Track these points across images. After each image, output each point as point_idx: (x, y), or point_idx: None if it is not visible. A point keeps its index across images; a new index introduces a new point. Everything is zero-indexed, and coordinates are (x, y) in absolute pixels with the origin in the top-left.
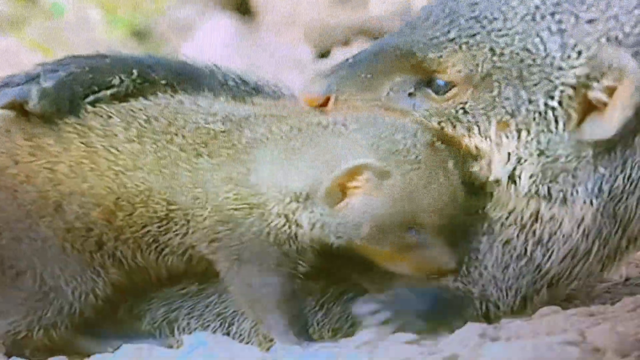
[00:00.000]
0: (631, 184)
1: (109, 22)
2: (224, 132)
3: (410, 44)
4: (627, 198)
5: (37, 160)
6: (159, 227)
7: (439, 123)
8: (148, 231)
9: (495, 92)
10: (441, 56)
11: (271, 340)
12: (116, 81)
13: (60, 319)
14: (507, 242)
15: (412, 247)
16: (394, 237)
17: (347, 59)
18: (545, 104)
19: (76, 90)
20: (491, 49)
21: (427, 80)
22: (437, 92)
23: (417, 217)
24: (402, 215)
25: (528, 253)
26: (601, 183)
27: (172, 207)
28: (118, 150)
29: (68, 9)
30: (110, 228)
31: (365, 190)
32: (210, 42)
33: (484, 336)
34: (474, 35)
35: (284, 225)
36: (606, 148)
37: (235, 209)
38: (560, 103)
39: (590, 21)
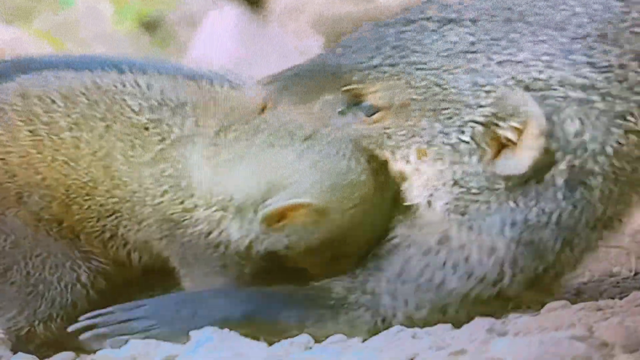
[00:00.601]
0: (545, 216)
1: (119, 13)
2: (154, 122)
3: (337, 66)
4: (542, 229)
5: None
6: (112, 221)
7: (368, 145)
8: (104, 225)
9: (412, 122)
10: (364, 81)
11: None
12: None
13: (55, 311)
14: (409, 260)
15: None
16: (320, 258)
17: (287, 70)
18: (458, 138)
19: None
20: (407, 81)
21: (356, 101)
22: (365, 114)
23: (348, 247)
24: (333, 246)
25: (428, 275)
26: (515, 215)
27: (115, 200)
28: (60, 139)
29: (78, 0)
30: (71, 221)
31: (303, 221)
32: (219, 33)
33: (491, 331)
34: (394, 65)
35: (211, 232)
36: (519, 182)
37: (172, 212)
38: (472, 138)
39: (500, 63)
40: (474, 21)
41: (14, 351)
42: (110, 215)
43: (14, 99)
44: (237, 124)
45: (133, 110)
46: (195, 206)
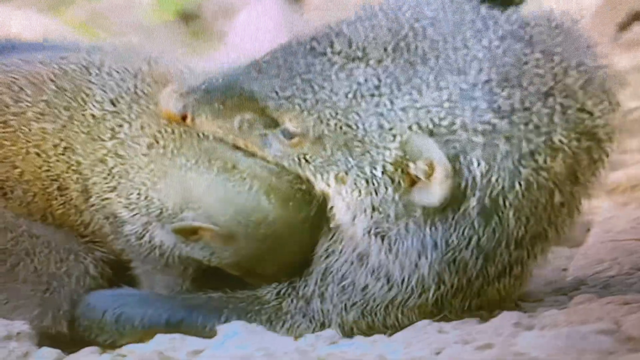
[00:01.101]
0: (465, 239)
1: (156, 3)
2: (106, 116)
3: (252, 90)
4: (463, 250)
5: None
6: (88, 215)
7: (289, 166)
8: (84, 219)
9: (328, 152)
10: (279, 109)
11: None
12: None
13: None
14: (332, 264)
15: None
16: (238, 272)
17: (203, 83)
18: (372, 172)
19: None
20: (319, 117)
21: (274, 124)
22: (284, 136)
23: (263, 267)
24: (247, 265)
25: (350, 279)
26: (436, 238)
27: (80, 194)
28: (29, 130)
29: None
30: (57, 215)
31: (212, 240)
32: (257, 24)
33: (518, 325)
34: (305, 99)
35: (143, 235)
36: (436, 211)
37: (116, 209)
38: (384, 173)
39: (403, 109)
40: (379, 61)
41: (39, 345)
42: (83, 211)
43: None
44: (166, 139)
45: (96, 100)
46: (129, 206)
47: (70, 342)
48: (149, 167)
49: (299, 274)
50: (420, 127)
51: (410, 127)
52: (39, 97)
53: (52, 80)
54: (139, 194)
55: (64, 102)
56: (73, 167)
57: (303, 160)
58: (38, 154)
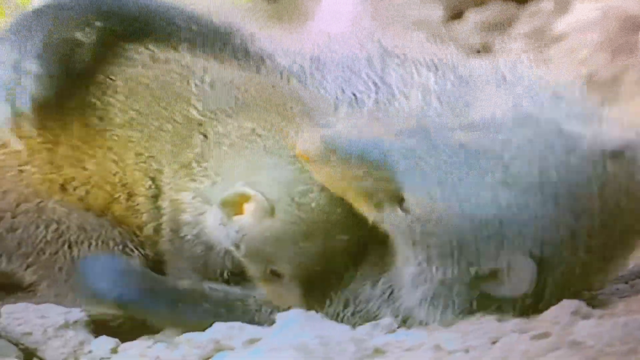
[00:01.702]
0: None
1: None
2: (202, 123)
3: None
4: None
5: (38, 137)
6: (147, 217)
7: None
8: (139, 221)
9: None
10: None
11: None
12: (83, 36)
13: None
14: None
15: (270, 280)
16: (259, 266)
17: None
18: None
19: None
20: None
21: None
22: (402, 210)
23: (278, 260)
24: (267, 253)
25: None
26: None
27: (150, 202)
28: (113, 136)
29: None
30: (113, 215)
31: (250, 215)
32: (343, 3)
33: (576, 314)
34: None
35: (193, 228)
36: None
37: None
38: None
39: None
40: None
41: (96, 335)
42: (144, 213)
43: None
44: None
45: (196, 108)
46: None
47: (127, 331)
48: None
49: (315, 293)
50: None
51: None
52: (133, 104)
53: (148, 87)
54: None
55: (156, 111)
56: (151, 176)
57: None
58: (115, 162)
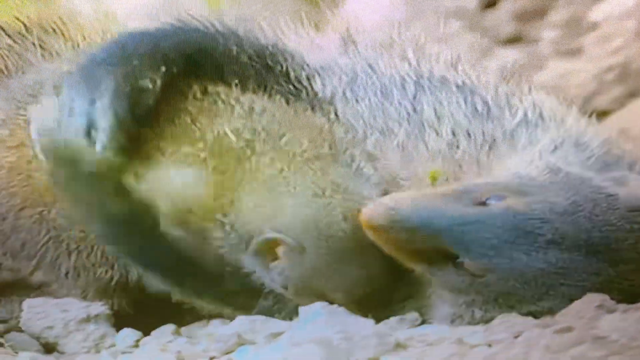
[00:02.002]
0: None
1: None
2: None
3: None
4: None
5: None
6: None
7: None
8: None
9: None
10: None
11: None
12: (148, 84)
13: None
14: None
15: None
16: (311, 300)
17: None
18: None
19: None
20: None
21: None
22: (457, 269)
23: (328, 292)
24: (315, 288)
25: None
26: None
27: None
28: None
29: None
30: None
31: (284, 258)
32: None
33: (601, 307)
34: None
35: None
36: None
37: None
38: None
39: None
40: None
41: (117, 327)
42: None
43: None
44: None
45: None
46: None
47: (148, 323)
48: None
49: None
50: None
51: None
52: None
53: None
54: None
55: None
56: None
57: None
58: None
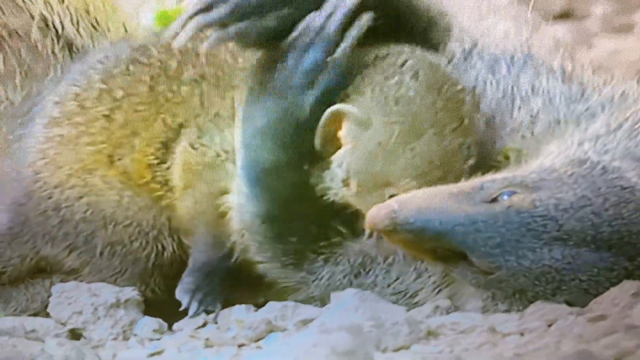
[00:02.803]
0: None
1: None
2: None
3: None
4: None
5: (100, 105)
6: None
7: None
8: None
9: None
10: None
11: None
12: None
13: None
14: None
15: None
16: (375, 197)
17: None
18: None
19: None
20: None
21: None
22: None
23: (394, 178)
24: (380, 174)
25: None
26: None
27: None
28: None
29: None
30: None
31: (349, 136)
32: None
33: (636, 295)
34: None
35: None
36: None
37: None
38: None
39: None
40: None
41: (146, 314)
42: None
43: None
44: None
45: None
46: None
47: (174, 311)
48: None
49: None
50: None
51: None
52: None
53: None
54: None
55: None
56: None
57: None
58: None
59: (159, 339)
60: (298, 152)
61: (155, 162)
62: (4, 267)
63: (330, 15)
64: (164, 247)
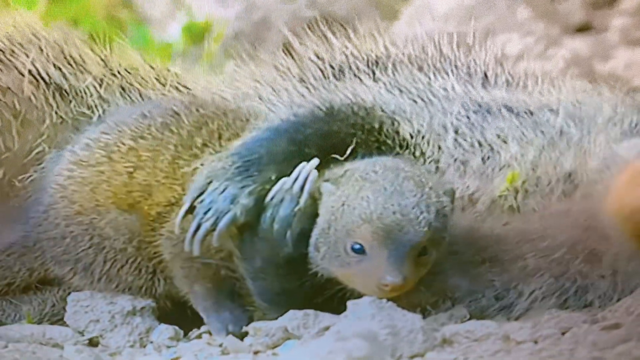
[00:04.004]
0: None
1: None
2: None
3: None
4: None
5: (126, 161)
6: None
7: None
8: None
9: None
10: None
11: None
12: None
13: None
14: None
15: (355, 261)
16: (343, 256)
17: None
18: None
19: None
20: None
21: None
22: None
23: (352, 227)
24: (341, 226)
25: None
26: None
27: None
28: None
29: None
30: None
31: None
32: None
33: None
34: None
35: None
36: None
37: None
38: None
39: None
40: None
41: (162, 321)
42: None
43: None
44: None
45: None
46: None
47: (190, 319)
48: None
49: None
50: None
51: None
52: None
53: None
54: None
55: None
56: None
57: None
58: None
59: (175, 346)
60: (296, 274)
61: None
62: (13, 278)
63: (296, 179)
64: (156, 289)
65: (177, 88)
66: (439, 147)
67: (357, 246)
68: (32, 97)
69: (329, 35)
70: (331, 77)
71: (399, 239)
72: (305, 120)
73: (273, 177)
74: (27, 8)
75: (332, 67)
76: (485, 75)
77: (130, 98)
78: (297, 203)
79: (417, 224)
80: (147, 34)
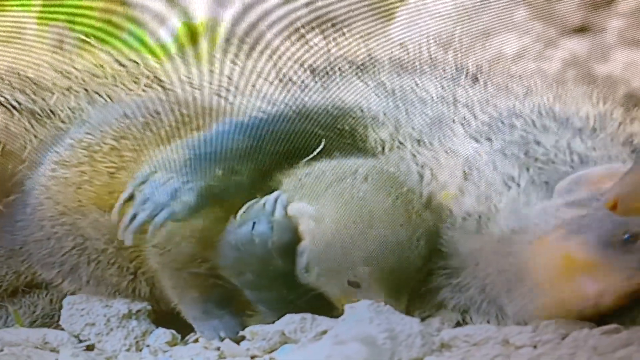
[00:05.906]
0: None
1: None
2: None
3: None
4: None
5: (107, 162)
6: None
7: None
8: None
9: None
10: None
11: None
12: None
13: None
14: None
15: (351, 294)
16: (336, 282)
17: None
18: None
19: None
20: None
21: None
22: None
23: (352, 265)
24: (338, 261)
25: None
26: None
27: None
28: None
29: None
30: None
31: (306, 235)
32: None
33: None
34: None
35: None
36: None
37: None
38: None
39: None
40: None
41: (158, 325)
42: None
43: None
44: None
45: None
46: None
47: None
48: None
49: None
50: None
51: None
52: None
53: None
54: None
55: None
56: None
57: None
58: None
59: (171, 350)
60: (293, 284)
61: None
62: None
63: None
64: (139, 291)
65: (150, 86)
66: (417, 152)
67: (353, 279)
68: (11, 127)
69: (315, 36)
70: (315, 78)
71: (397, 278)
72: (272, 118)
73: (220, 173)
74: (22, 8)
75: (315, 68)
76: (476, 77)
77: (104, 99)
78: (273, 216)
79: (414, 259)
80: (143, 35)
